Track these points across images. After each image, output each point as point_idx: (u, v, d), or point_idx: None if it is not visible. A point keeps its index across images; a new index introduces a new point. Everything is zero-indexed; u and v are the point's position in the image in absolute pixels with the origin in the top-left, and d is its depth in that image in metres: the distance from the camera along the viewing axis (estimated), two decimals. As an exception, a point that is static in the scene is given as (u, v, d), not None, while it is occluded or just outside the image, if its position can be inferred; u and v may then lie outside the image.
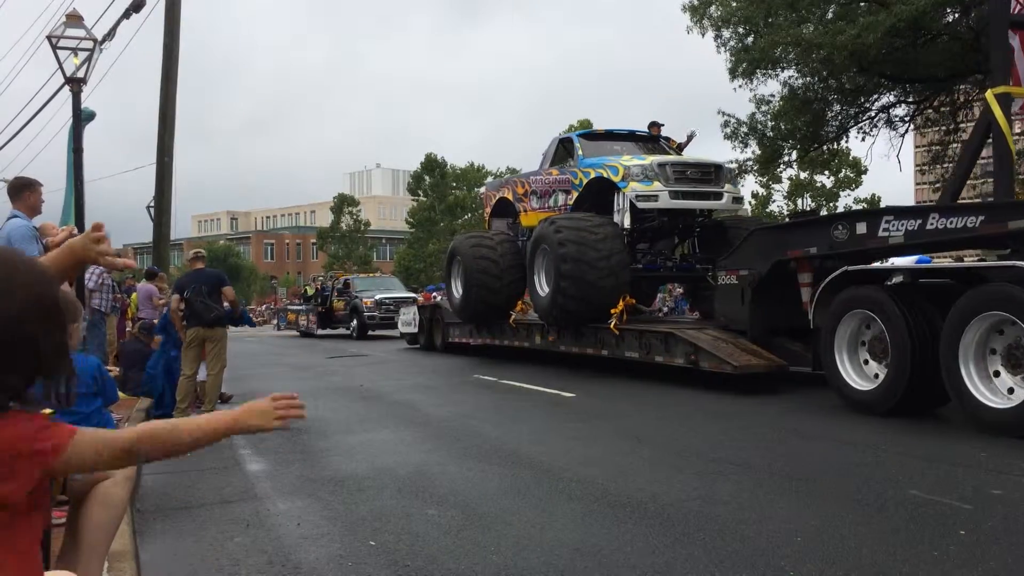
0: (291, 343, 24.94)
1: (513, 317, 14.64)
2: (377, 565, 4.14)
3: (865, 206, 50.10)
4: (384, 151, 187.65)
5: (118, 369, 10.22)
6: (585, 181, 13.17)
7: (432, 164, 62.18)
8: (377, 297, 25.15)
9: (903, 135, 22.70)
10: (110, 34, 14.13)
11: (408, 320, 20.33)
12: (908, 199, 61.42)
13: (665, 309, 24.22)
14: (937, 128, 24.22)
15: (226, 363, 9.17)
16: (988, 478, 5.47)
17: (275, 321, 36.85)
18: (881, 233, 8.50)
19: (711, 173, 12.50)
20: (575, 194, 13.40)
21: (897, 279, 8.08)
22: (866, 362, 8.33)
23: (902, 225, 8.32)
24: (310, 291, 30.46)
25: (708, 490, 5.38)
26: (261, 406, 1.96)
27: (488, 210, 16.98)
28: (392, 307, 23.56)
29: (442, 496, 5.44)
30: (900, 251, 9.01)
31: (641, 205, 12.20)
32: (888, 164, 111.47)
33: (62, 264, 2.22)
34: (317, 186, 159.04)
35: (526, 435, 7.71)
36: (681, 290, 21.56)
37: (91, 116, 14.46)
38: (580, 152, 13.73)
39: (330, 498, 5.50)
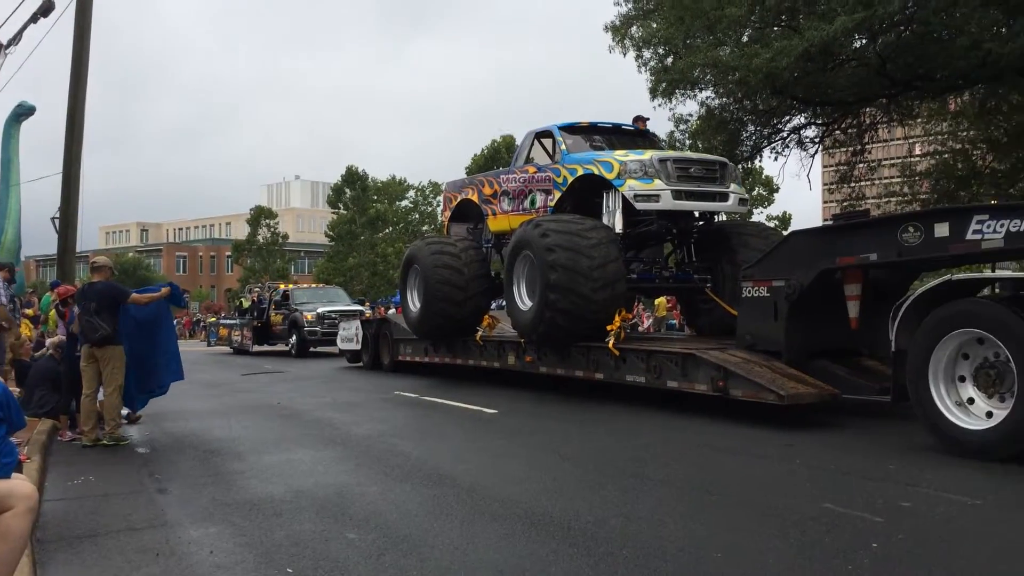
0: (211, 359, 23.45)
1: (480, 333, 13.13)
2: (294, 593, 4.01)
3: (777, 223, 51.79)
4: (304, 164, 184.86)
5: (18, 389, 9.70)
6: (571, 179, 11.64)
7: (353, 177, 61.62)
8: (319, 310, 23.21)
9: (813, 155, 23.54)
10: (16, 38, 13.55)
11: (349, 336, 18.50)
12: (816, 218, 63.53)
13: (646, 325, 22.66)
14: (844, 149, 25.22)
15: (123, 383, 8.74)
16: (898, 491, 5.65)
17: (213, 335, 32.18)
18: (971, 235, 7.08)
19: (716, 171, 11.20)
20: (557, 194, 11.90)
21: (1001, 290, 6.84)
22: (971, 401, 6.82)
23: (1002, 225, 6.86)
24: (246, 303, 27.74)
25: (630, 507, 5.40)
26: None
27: (447, 213, 15.41)
28: (336, 321, 21.43)
29: (362, 519, 5.31)
30: (996, 257, 7.87)
31: (640, 206, 10.77)
32: (799, 183, 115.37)
33: None
34: (233, 198, 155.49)
35: (448, 453, 7.64)
36: (672, 304, 20.22)
37: (31, 110, 13.60)
38: (563, 147, 12.15)
39: (245, 523, 5.31)
